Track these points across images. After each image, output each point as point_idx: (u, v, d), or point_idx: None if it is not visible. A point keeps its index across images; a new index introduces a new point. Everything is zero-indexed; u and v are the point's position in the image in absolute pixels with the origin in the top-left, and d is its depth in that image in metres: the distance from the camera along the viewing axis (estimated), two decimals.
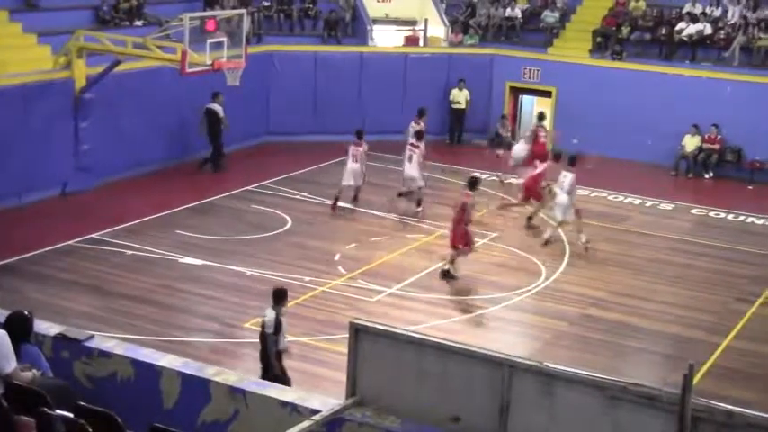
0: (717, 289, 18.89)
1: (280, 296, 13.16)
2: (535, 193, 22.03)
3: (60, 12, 24.14)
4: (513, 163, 24.68)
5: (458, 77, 29.35)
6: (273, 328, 12.96)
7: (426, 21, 31.01)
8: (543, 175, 21.91)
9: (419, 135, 22.93)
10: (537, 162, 22.57)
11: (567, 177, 20.81)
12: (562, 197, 20.73)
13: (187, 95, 24.69)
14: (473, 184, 19.08)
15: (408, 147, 22.69)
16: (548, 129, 25.84)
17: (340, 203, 22.42)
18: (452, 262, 18.68)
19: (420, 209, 22.52)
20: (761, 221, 23.44)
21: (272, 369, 12.90)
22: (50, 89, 22.11)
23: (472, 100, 29.45)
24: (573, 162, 21.22)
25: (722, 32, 28.66)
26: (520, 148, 24.78)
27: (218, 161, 25.38)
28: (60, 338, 9.71)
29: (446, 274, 18.61)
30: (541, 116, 26.16)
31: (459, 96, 29.27)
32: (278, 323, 12.96)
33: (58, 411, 8.15)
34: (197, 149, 25.79)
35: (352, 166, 22.44)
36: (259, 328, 13.44)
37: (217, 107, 24.95)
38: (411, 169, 22.41)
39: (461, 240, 18.75)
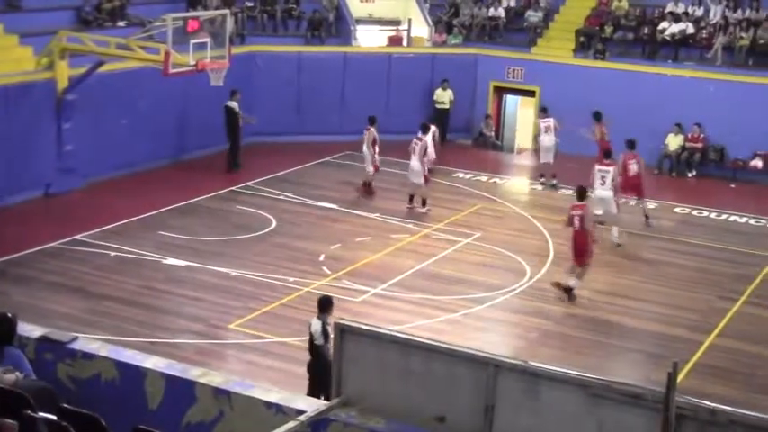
0: (700, 287, 18.96)
1: (325, 305, 12.96)
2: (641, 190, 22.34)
3: (42, 12, 24.05)
4: (544, 160, 25.30)
5: (442, 77, 29.36)
6: (323, 338, 12.71)
7: (410, 21, 31.05)
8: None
9: (424, 128, 23.32)
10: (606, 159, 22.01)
11: (609, 172, 20.98)
12: (607, 192, 20.96)
13: (170, 96, 24.65)
14: (582, 193, 18.44)
15: (414, 140, 22.91)
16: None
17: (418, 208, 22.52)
18: (580, 278, 18.10)
19: (426, 209, 22.56)
20: (743, 220, 23.54)
21: (327, 378, 12.55)
22: (33, 90, 22.03)
23: (456, 100, 29.47)
24: (609, 155, 21.55)
25: (704, 32, 28.77)
26: (548, 139, 25.21)
27: (232, 160, 25.56)
28: (44, 340, 9.66)
29: (568, 291, 17.90)
30: (544, 110, 26.31)
31: (444, 96, 29.29)
32: (325, 332, 12.64)
33: (42, 414, 8.11)
34: (181, 150, 25.76)
35: (412, 163, 22.48)
36: (245, 330, 13.41)
37: (233, 104, 25.23)
38: (414, 161, 22.57)
39: (588, 255, 18.16)
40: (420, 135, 22.95)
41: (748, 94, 26.84)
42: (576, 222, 17.98)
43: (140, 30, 23.28)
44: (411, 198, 22.77)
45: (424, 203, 22.64)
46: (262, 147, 27.75)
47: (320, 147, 26.95)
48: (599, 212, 20.86)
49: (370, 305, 17.39)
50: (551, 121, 25.23)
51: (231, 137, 25.43)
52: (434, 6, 32.27)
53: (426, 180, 22.72)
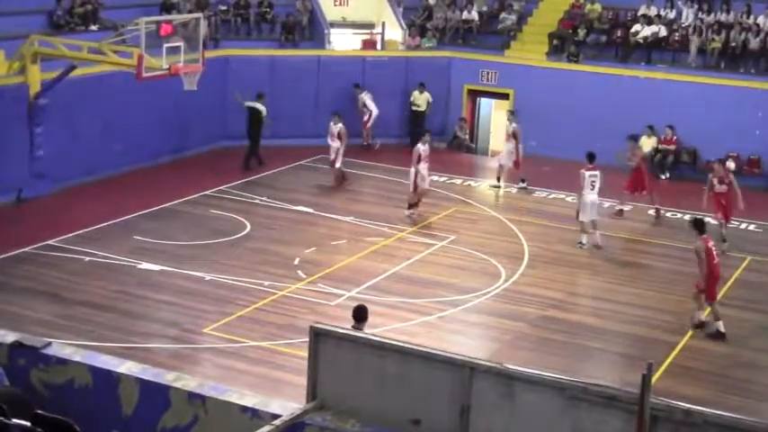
0: (674, 289, 19.04)
1: (360, 315, 12.41)
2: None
3: (14, 16, 23.87)
4: (502, 162, 25.51)
5: (416, 80, 29.36)
6: None
7: (383, 24, 31.06)
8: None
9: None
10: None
11: (597, 176, 21.00)
12: (595, 196, 21.04)
13: (144, 100, 24.55)
14: (701, 226, 17.32)
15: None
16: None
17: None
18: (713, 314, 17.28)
19: (411, 212, 22.54)
20: (716, 222, 23.63)
21: None
22: (4, 94, 21.90)
23: (432, 103, 29.48)
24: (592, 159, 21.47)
25: (677, 35, 28.97)
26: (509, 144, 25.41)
27: (248, 159, 25.71)
28: (17, 346, 9.59)
29: (701, 326, 17.16)
30: (512, 113, 26.24)
31: (420, 99, 29.29)
32: None
33: (15, 420, 8.06)
34: (153, 155, 25.66)
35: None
36: (219, 334, 13.36)
37: (259, 106, 26.00)
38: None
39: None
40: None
41: (720, 96, 27.03)
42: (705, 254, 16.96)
43: (113, 34, 23.19)
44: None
45: (409, 207, 22.68)
46: (235, 150, 27.67)
47: (294, 150, 26.92)
48: (596, 217, 20.96)
49: (346, 308, 17.29)
50: (513, 127, 25.24)
51: (251, 137, 25.74)
52: (408, 10, 32.31)
53: (415, 187, 22.56)
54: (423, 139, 22.87)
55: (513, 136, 25.07)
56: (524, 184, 25.31)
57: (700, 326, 17.10)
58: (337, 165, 24.67)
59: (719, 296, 17.69)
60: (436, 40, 31.05)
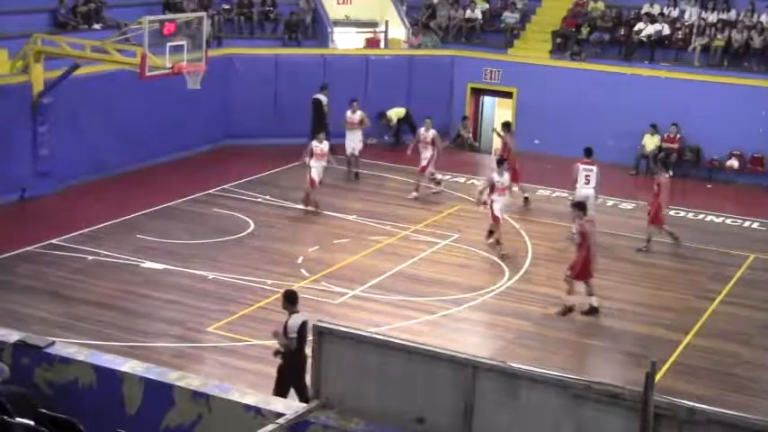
0: (677, 287, 19.04)
1: (292, 298, 12.71)
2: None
3: (17, 15, 23.90)
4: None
5: (419, 79, 29.34)
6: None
7: (387, 23, 31.05)
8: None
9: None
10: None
11: (593, 170, 21.18)
12: (590, 190, 21.10)
13: (147, 99, 24.57)
14: (583, 208, 17.85)
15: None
16: None
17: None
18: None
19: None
20: (720, 220, 23.68)
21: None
22: (8, 93, 21.89)
23: (431, 101, 29.31)
24: (590, 154, 21.58)
25: (680, 33, 28.94)
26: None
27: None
28: (21, 345, 9.61)
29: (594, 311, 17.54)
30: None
31: (398, 113, 29.13)
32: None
33: (18, 419, 8.08)
34: (156, 154, 25.67)
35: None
36: (223, 333, 13.36)
37: (322, 98, 26.38)
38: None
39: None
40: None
41: (723, 95, 27.01)
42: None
43: (116, 32, 23.19)
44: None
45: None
46: (239, 149, 27.71)
47: (298, 149, 26.85)
48: (590, 211, 20.91)
49: (349, 307, 17.38)
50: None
51: (314, 128, 25.63)
52: (411, 8, 32.30)
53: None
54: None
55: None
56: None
57: (592, 311, 17.44)
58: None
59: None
60: (439, 39, 31.01)
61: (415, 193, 23.78)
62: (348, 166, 25.23)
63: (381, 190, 23.95)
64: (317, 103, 26.70)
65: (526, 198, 23.86)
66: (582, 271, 17.42)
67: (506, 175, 20.33)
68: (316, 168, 22.24)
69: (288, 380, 12.49)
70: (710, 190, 26.58)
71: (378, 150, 27.70)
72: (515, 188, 23.06)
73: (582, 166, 21.30)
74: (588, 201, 20.75)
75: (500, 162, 20.72)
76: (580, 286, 17.60)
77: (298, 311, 12.59)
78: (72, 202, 22.46)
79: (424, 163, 24.00)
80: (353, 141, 25.11)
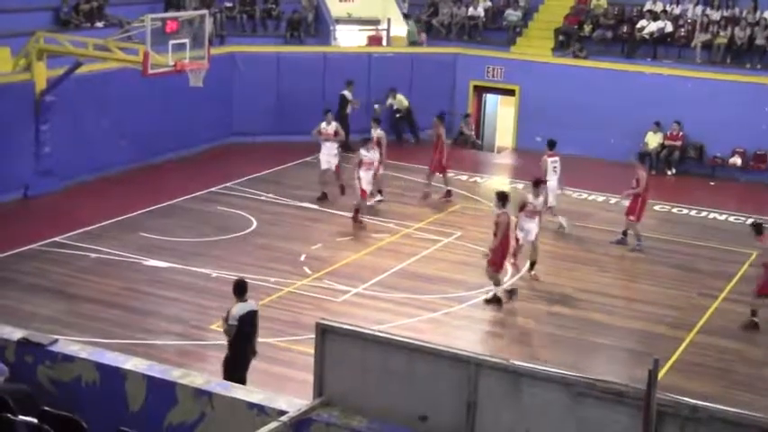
0: (680, 284, 19.04)
1: (241, 289, 12.86)
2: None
3: (20, 13, 23.89)
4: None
5: (421, 77, 29.35)
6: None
7: (389, 20, 31.04)
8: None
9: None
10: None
11: (558, 161, 21.58)
12: (553, 182, 21.28)
13: (149, 97, 24.57)
14: (505, 199, 17.76)
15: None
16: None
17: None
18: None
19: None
20: (723, 217, 23.66)
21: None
22: (10, 92, 21.90)
23: (433, 99, 29.34)
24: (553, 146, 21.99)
25: (683, 30, 28.93)
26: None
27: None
28: (24, 343, 9.63)
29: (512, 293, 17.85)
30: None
31: (401, 101, 29.13)
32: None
33: (21, 417, 8.09)
34: (159, 152, 25.68)
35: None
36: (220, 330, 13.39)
37: (347, 93, 27.15)
38: None
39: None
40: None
41: (726, 92, 26.98)
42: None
43: (119, 30, 23.19)
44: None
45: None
46: (242, 147, 27.72)
47: (300, 147, 26.89)
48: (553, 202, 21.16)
49: (352, 305, 17.38)
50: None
51: (339, 122, 25.64)
52: (413, 6, 32.28)
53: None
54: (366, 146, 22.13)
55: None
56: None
57: (495, 300, 17.56)
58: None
59: None
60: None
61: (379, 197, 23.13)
62: (321, 184, 23.32)
63: (384, 188, 23.86)
64: (343, 99, 27.10)
65: (449, 191, 23.79)
66: (501, 261, 17.58)
67: (541, 199, 19.13)
68: (365, 178, 21.69)
69: (229, 372, 12.58)
70: (713, 187, 26.56)
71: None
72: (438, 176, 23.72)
73: (549, 159, 21.60)
74: (553, 192, 20.98)
75: (536, 184, 19.07)
76: (505, 274, 17.78)
77: (245, 300, 12.73)
78: (75, 200, 22.47)
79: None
80: (329, 155, 23.09)
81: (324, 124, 23.34)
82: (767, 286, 17.03)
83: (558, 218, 21.46)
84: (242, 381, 12.15)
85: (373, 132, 23.26)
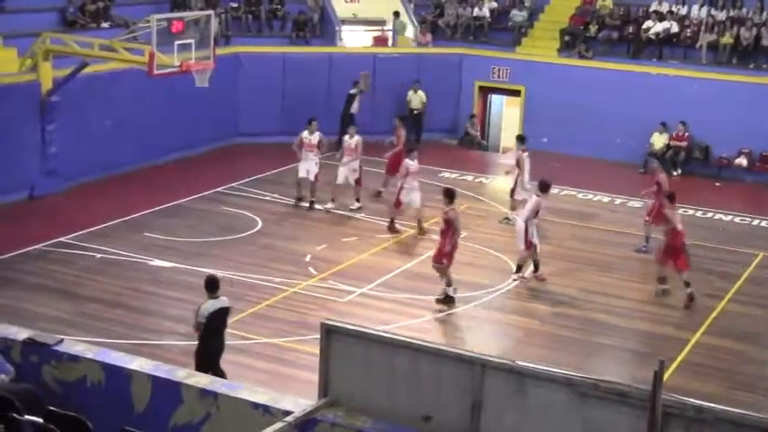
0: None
1: (213, 285, 13.05)
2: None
3: (26, 14, 23.96)
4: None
5: (427, 77, 29.32)
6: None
7: (395, 21, 31.03)
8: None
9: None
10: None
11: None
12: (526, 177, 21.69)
13: (155, 97, 24.60)
14: (452, 196, 17.74)
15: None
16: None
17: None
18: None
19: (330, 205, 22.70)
20: (728, 218, 23.64)
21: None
22: (16, 92, 21.95)
23: (440, 100, 29.40)
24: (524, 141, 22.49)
25: (689, 30, 28.90)
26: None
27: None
28: (29, 343, 9.65)
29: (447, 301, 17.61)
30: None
31: (415, 99, 29.20)
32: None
33: (27, 417, 8.11)
34: (164, 152, 25.70)
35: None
36: (231, 331, 13.41)
37: (353, 91, 27.26)
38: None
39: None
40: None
41: (732, 92, 26.96)
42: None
43: (124, 31, 23.23)
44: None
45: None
46: (247, 147, 27.74)
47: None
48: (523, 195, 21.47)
49: (357, 305, 17.39)
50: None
51: (344, 122, 26.15)
52: (419, 6, 32.29)
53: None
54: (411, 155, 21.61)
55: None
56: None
57: (448, 300, 17.45)
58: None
59: None
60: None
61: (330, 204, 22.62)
62: (298, 192, 22.79)
63: (389, 187, 23.84)
64: (348, 96, 27.31)
65: (379, 192, 23.50)
66: (449, 258, 17.45)
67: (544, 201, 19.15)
68: (407, 189, 21.08)
69: (200, 364, 12.72)
70: (719, 188, 26.53)
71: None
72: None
73: (524, 155, 21.90)
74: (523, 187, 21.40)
75: (545, 187, 19.12)
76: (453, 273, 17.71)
77: (217, 297, 12.92)
78: (80, 200, 22.50)
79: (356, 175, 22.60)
80: (310, 165, 22.46)
81: (306, 133, 22.57)
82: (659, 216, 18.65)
83: (515, 212, 21.45)
84: (215, 373, 12.29)
85: (349, 139, 22.71)
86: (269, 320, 16.49)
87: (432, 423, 8.18)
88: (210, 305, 12.88)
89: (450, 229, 17.41)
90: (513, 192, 22.09)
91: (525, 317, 17.33)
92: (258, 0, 30.13)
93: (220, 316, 12.95)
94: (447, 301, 17.47)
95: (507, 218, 22.00)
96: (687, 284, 17.85)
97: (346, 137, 22.97)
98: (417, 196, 21.13)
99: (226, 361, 13.86)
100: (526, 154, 22.13)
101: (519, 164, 22.00)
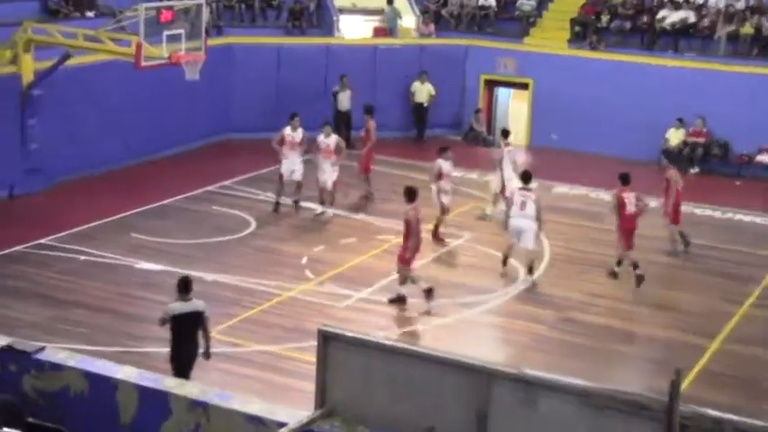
0: (703, 289, 19.00)
1: (186, 286, 13.38)
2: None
3: (6, 2, 23.93)
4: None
5: (430, 69, 29.34)
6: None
7: (387, 9, 31.00)
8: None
9: None
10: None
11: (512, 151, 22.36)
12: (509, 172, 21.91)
13: (143, 91, 24.60)
14: (413, 195, 17.63)
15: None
16: None
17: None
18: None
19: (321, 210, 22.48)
20: (749, 218, 23.63)
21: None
22: None
23: (444, 93, 29.41)
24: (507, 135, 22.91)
25: (706, 20, 28.87)
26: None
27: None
28: (8, 351, 9.61)
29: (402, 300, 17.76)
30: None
31: (422, 91, 29.22)
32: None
33: (6, 429, 8.08)
34: (153, 148, 25.70)
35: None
36: (223, 337, 13.42)
37: (336, 90, 27.80)
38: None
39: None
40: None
41: (754, 86, 26.93)
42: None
43: (111, 20, 23.20)
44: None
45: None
46: (240, 144, 27.74)
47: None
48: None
49: (356, 310, 17.38)
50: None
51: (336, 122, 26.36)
52: None
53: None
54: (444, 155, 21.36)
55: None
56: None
57: (400, 299, 17.57)
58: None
59: None
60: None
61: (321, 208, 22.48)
62: (278, 195, 22.45)
63: (390, 186, 23.88)
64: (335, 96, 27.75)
65: (365, 197, 23.47)
66: (409, 259, 17.50)
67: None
68: (444, 193, 20.89)
69: (173, 369, 12.98)
70: (739, 187, 26.51)
71: (392, 146, 27.76)
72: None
73: (506, 150, 22.25)
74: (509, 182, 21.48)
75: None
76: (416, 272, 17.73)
77: (188, 300, 13.22)
78: (63, 199, 22.50)
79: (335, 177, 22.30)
80: (294, 164, 22.34)
81: (288, 130, 22.36)
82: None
83: (497, 206, 21.63)
84: (185, 377, 12.57)
85: (325, 139, 22.29)
86: (263, 326, 16.48)
87: None
88: (178, 306, 13.16)
89: (409, 231, 17.38)
90: (503, 191, 21.82)
91: (533, 322, 17.31)
92: None
93: (190, 320, 13.18)
94: (399, 300, 17.54)
95: (487, 213, 22.36)
96: (635, 266, 18.59)
97: (321, 136, 22.40)
98: (448, 200, 21.12)
99: (217, 369, 13.89)
100: (509, 148, 22.33)
101: (499, 163, 22.16)
